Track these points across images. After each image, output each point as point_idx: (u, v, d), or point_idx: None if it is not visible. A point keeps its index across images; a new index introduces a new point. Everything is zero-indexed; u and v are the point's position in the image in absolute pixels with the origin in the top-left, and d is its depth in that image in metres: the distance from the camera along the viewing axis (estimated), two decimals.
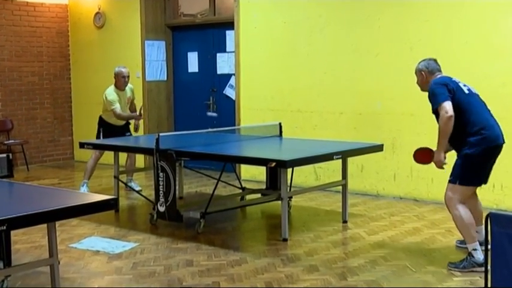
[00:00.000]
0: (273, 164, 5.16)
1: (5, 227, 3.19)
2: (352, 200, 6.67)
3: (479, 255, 4.49)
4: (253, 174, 7.96)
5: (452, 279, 4.40)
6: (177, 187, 5.73)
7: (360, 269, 4.62)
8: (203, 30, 9.08)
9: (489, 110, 4.73)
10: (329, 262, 4.80)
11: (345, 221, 6.00)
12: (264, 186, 6.75)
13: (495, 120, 4.68)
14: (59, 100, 10.18)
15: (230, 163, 6.51)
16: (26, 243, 5.41)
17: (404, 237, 5.47)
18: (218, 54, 8.88)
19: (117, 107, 7.38)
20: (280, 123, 6.76)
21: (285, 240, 5.36)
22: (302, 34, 7.67)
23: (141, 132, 9.14)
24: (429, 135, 6.76)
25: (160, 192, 5.66)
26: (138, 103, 9.19)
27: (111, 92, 7.43)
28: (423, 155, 5.02)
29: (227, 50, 8.72)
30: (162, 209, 5.68)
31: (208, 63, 9.05)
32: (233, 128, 7.95)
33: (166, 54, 9.48)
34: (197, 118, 9.06)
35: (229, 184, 7.11)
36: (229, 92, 8.75)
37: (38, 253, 5.10)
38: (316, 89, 7.61)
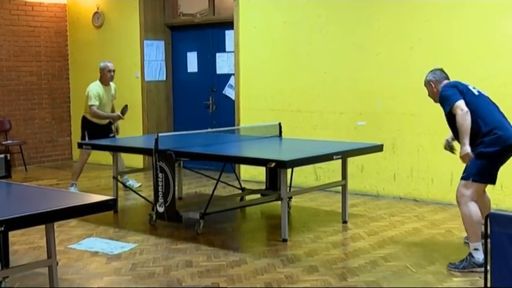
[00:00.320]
0: (273, 164, 5.14)
1: (3, 228, 3.17)
2: (352, 201, 6.65)
3: (479, 256, 4.48)
4: (253, 175, 7.94)
5: (452, 279, 4.39)
6: (176, 187, 5.72)
7: (360, 270, 4.61)
8: (202, 30, 9.06)
9: (502, 112, 4.75)
10: (329, 263, 4.79)
11: (345, 222, 5.98)
12: (263, 187, 6.73)
13: (508, 121, 4.70)
14: (57, 100, 10.16)
15: (230, 163, 6.49)
16: (24, 244, 5.39)
17: (405, 238, 5.45)
18: (217, 54, 8.87)
19: (95, 104, 7.31)
20: (279, 123, 6.74)
21: (285, 240, 5.34)
22: (302, 34, 7.65)
23: (139, 132, 9.14)
24: (429, 135, 6.77)
25: (160, 192, 5.64)
26: (137, 103, 9.23)
27: (94, 87, 7.39)
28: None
29: (226, 49, 8.70)
30: (161, 209, 5.66)
31: (207, 63, 9.03)
32: (233, 128, 7.93)
33: (165, 54, 9.46)
34: (196, 118, 9.04)
35: (229, 184, 7.08)
36: (228, 92, 8.73)
37: (36, 254, 5.08)
38: (316, 89, 7.60)
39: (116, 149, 6.70)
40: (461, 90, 4.66)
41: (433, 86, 4.86)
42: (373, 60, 7.12)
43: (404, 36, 6.86)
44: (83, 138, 7.57)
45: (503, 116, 4.73)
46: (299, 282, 4.37)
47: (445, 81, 4.85)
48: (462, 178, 4.71)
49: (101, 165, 8.52)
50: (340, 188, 6.08)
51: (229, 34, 8.55)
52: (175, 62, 9.51)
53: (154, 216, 5.82)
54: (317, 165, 7.36)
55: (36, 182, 8.35)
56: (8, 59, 9.52)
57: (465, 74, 6.00)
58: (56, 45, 10.07)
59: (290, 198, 6.40)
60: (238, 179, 7.27)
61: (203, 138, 6.59)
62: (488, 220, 3.32)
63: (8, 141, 9.35)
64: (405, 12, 6.85)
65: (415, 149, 6.90)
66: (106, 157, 7.96)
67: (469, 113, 4.54)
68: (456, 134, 4.75)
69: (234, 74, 8.44)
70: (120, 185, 6.69)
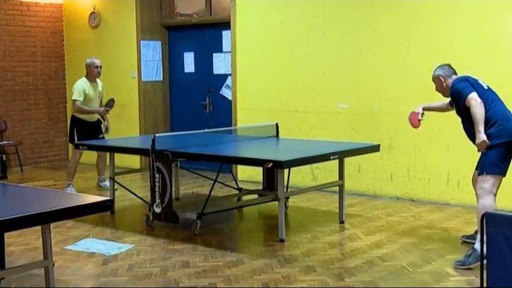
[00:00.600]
0: (270, 165, 5.13)
1: None
2: (349, 201, 6.65)
3: None
4: (250, 175, 7.93)
5: (448, 279, 4.39)
6: (173, 188, 5.70)
7: (357, 270, 4.61)
8: (199, 30, 9.05)
9: (507, 108, 4.85)
10: (326, 263, 4.78)
11: (342, 222, 5.98)
12: (260, 187, 6.72)
13: None
14: (53, 101, 10.13)
15: (227, 164, 6.48)
16: (21, 245, 5.37)
17: (401, 238, 5.45)
18: (214, 54, 8.86)
19: (79, 99, 7.33)
20: (277, 124, 6.74)
21: (282, 241, 5.33)
22: (299, 34, 7.65)
23: (136, 133, 9.13)
24: (426, 135, 6.77)
25: (157, 193, 5.63)
26: (133, 103, 9.23)
27: (79, 83, 7.42)
28: (414, 118, 5.34)
29: (223, 50, 8.69)
30: (158, 210, 5.65)
31: (204, 63, 9.02)
32: (230, 128, 7.93)
33: (162, 55, 9.44)
34: (193, 118, 9.03)
35: (226, 185, 7.08)
36: (225, 92, 8.72)
37: (32, 255, 5.06)
38: (313, 89, 7.59)
39: (112, 150, 6.68)
40: (472, 84, 4.78)
41: (442, 80, 4.97)
42: (370, 61, 7.12)
43: (401, 36, 6.87)
44: (71, 136, 7.59)
45: (510, 111, 4.83)
46: (296, 282, 4.37)
47: (454, 77, 4.95)
48: (478, 174, 4.81)
49: (95, 165, 8.48)
50: (337, 188, 6.08)
51: (226, 34, 8.54)
52: (172, 62, 9.49)
53: (151, 217, 5.81)
54: (314, 165, 7.36)
55: (32, 182, 8.33)
56: (4, 59, 9.49)
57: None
58: (52, 45, 10.05)
59: (287, 198, 6.39)
60: (235, 179, 7.26)
61: (200, 139, 6.58)
62: (484, 220, 3.32)
63: (4, 142, 9.32)
64: (402, 12, 6.85)
65: (412, 149, 6.90)
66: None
67: (482, 104, 4.64)
68: (470, 131, 4.81)
69: (231, 74, 8.43)
70: (116, 185, 6.68)
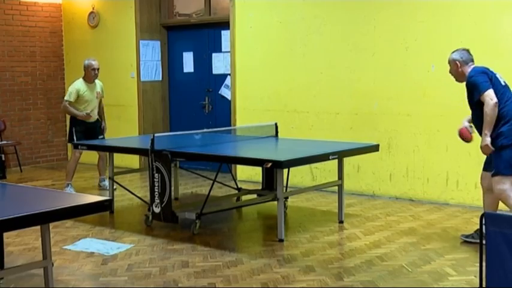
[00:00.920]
0: (269, 165, 5.13)
1: None
2: (348, 200, 6.66)
3: None
4: (249, 175, 7.94)
5: (448, 278, 4.39)
6: (172, 188, 5.70)
7: (356, 269, 4.61)
8: (198, 30, 9.05)
9: None
10: (325, 262, 4.78)
11: (341, 221, 5.98)
12: (260, 187, 6.72)
13: None
14: (52, 100, 10.13)
15: (226, 164, 6.48)
16: (19, 245, 5.37)
17: (400, 237, 5.45)
18: (214, 54, 8.86)
19: (68, 100, 7.39)
20: (276, 124, 6.74)
21: (281, 240, 5.33)
22: (298, 34, 7.65)
23: (135, 132, 9.13)
24: (425, 135, 6.78)
25: (156, 193, 5.63)
26: (133, 103, 9.22)
27: (75, 84, 7.45)
28: (465, 132, 5.05)
29: (223, 50, 8.69)
30: (157, 210, 5.65)
31: (203, 63, 9.02)
32: (229, 128, 7.92)
33: (161, 54, 9.44)
34: (193, 118, 9.03)
35: (225, 185, 7.08)
36: (224, 92, 8.72)
37: (31, 255, 5.06)
38: (312, 89, 7.59)
39: (111, 150, 6.68)
40: (491, 78, 4.71)
41: (459, 65, 4.89)
42: (369, 61, 7.12)
43: (399, 36, 6.87)
44: (70, 136, 7.62)
45: None
46: (295, 282, 4.37)
47: (471, 64, 4.88)
48: (492, 175, 4.75)
49: (96, 165, 8.49)
50: (336, 188, 6.08)
51: (225, 34, 8.54)
52: (171, 62, 9.49)
53: (150, 217, 5.81)
54: (313, 165, 7.36)
55: (31, 182, 8.32)
56: (3, 59, 9.48)
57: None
58: (51, 45, 10.04)
59: (286, 198, 6.40)
60: (234, 179, 7.26)
61: (199, 139, 6.57)
62: (483, 220, 3.32)
63: (3, 142, 9.31)
64: (401, 12, 6.86)
65: (410, 149, 6.91)
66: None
67: (497, 105, 4.61)
68: (477, 122, 4.77)
69: (230, 74, 8.43)
70: (115, 185, 6.68)
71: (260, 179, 6.68)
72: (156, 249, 5.21)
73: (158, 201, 5.62)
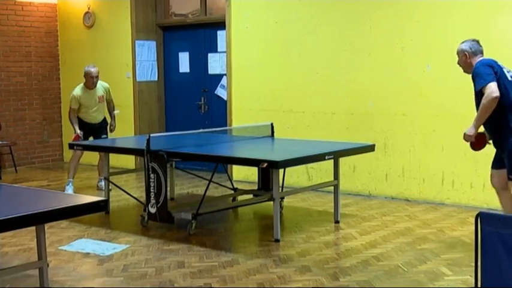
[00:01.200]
0: (265, 165, 5.13)
1: None
2: (344, 200, 6.66)
3: None
4: (246, 175, 7.93)
5: (443, 278, 4.39)
6: (168, 188, 5.70)
7: (352, 269, 4.61)
8: (194, 30, 9.04)
9: None
10: (321, 262, 4.79)
11: (337, 221, 5.99)
12: (256, 187, 6.72)
13: None
14: (48, 101, 10.10)
15: (222, 164, 6.48)
16: (15, 246, 5.35)
17: (396, 237, 5.46)
18: (209, 55, 8.85)
19: (74, 107, 7.48)
20: (272, 124, 6.74)
21: (277, 241, 5.33)
22: (294, 34, 7.65)
23: (131, 133, 9.12)
24: (421, 135, 6.79)
25: (152, 193, 5.62)
26: (128, 103, 9.20)
27: (74, 91, 7.53)
28: (478, 143, 4.91)
29: (218, 50, 8.68)
30: (153, 210, 5.64)
31: (199, 63, 9.01)
32: (225, 128, 7.92)
33: (157, 55, 9.43)
34: (188, 119, 9.03)
35: (221, 185, 7.07)
36: (220, 92, 8.71)
37: (26, 256, 5.04)
38: (308, 89, 7.60)
39: (107, 150, 6.67)
40: (497, 72, 4.61)
41: (467, 56, 4.82)
42: (364, 61, 7.12)
43: (395, 36, 6.88)
44: None
45: None
46: (291, 282, 4.37)
47: (480, 55, 4.80)
48: (510, 179, 4.64)
49: (92, 166, 8.48)
50: (332, 188, 6.08)
51: (221, 34, 8.53)
52: (167, 62, 9.48)
53: (146, 217, 5.80)
54: (309, 165, 7.36)
55: (27, 183, 8.30)
56: None
57: (455, 74, 6.02)
58: (46, 45, 10.02)
59: (282, 198, 6.39)
60: (230, 179, 7.26)
61: (195, 139, 6.57)
62: (479, 220, 3.33)
63: None
64: (397, 13, 6.86)
65: (406, 149, 6.91)
66: (97, 158, 7.93)
67: (497, 99, 4.49)
68: (485, 122, 4.67)
69: (226, 75, 8.42)
70: (111, 185, 6.67)
71: (256, 179, 6.68)
72: (152, 250, 5.20)
73: (154, 201, 5.61)
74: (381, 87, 7.03)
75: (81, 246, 5.31)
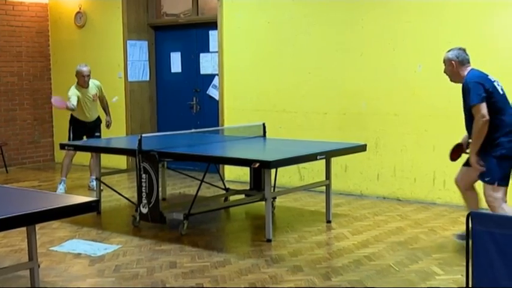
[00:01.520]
0: (257, 165, 5.13)
1: None
2: (336, 200, 6.67)
3: None
4: (238, 175, 7.93)
5: (435, 278, 4.41)
6: (160, 188, 5.69)
7: (344, 269, 4.61)
8: (186, 30, 9.03)
9: None
10: (313, 262, 4.79)
11: (329, 221, 5.99)
12: (248, 187, 6.72)
13: None
14: (39, 101, 10.06)
15: (214, 164, 6.47)
16: (5, 246, 5.33)
17: (388, 237, 5.47)
18: (201, 55, 8.84)
19: (72, 100, 7.40)
20: (264, 124, 6.74)
21: (269, 241, 5.33)
22: (286, 34, 7.65)
23: (123, 133, 9.09)
24: (413, 135, 6.81)
25: (143, 193, 5.61)
26: (120, 103, 9.17)
27: (71, 88, 7.53)
28: (455, 152, 5.04)
29: (210, 50, 8.68)
30: (144, 210, 5.63)
31: (191, 63, 9.00)
32: (217, 128, 7.91)
33: (148, 55, 9.41)
34: (180, 119, 9.01)
35: (213, 185, 7.07)
36: (212, 92, 8.71)
37: (17, 257, 5.02)
38: (300, 89, 7.60)
39: (98, 150, 6.65)
40: (487, 89, 4.62)
41: (454, 65, 4.80)
42: (357, 61, 7.14)
43: (387, 36, 6.89)
44: (69, 135, 7.72)
45: None
46: (283, 282, 4.37)
47: (467, 65, 4.80)
48: (487, 182, 4.69)
49: (84, 166, 8.44)
50: (324, 188, 6.09)
51: (213, 34, 8.53)
52: (159, 62, 9.46)
53: (137, 218, 5.79)
54: (301, 165, 7.37)
55: (17, 183, 8.26)
56: None
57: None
58: (37, 45, 9.97)
59: (274, 198, 6.40)
60: (222, 179, 7.25)
61: (187, 139, 6.56)
62: (470, 219, 3.34)
63: None
64: (389, 13, 6.88)
65: (398, 148, 6.93)
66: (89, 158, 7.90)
67: (488, 122, 4.55)
68: (469, 127, 4.73)
69: (218, 75, 8.42)
70: (102, 186, 6.65)
71: (248, 179, 6.68)
72: (144, 250, 5.19)
73: (146, 201, 5.60)
74: (372, 87, 7.05)
75: (72, 247, 5.29)
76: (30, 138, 9.99)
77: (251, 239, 5.75)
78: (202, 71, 8.85)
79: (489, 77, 4.76)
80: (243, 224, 6.35)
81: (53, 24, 10.03)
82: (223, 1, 8.14)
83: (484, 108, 4.55)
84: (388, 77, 6.94)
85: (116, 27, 9.21)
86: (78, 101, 7.46)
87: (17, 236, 5.44)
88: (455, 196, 6.56)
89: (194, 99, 8.98)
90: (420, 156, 6.77)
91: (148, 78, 9.45)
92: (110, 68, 9.28)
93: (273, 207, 6.30)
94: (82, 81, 7.51)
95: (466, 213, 3.38)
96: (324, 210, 6.10)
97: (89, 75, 7.54)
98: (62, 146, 6.80)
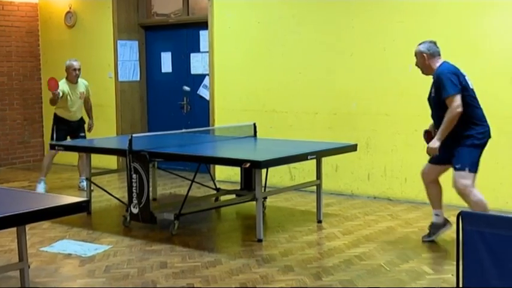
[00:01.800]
0: (248, 165, 5.13)
1: None
2: (326, 200, 6.68)
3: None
4: (228, 175, 7.92)
5: (425, 277, 4.43)
6: (150, 188, 5.68)
7: (334, 269, 4.62)
8: (177, 30, 9.02)
9: None
10: (304, 262, 4.80)
11: (319, 221, 6.00)
12: (238, 187, 6.72)
13: None
14: (29, 101, 10.01)
15: (204, 164, 6.47)
16: None
17: (379, 237, 5.49)
18: (192, 54, 8.83)
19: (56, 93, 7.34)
20: (254, 124, 6.74)
21: (260, 240, 5.34)
22: (276, 34, 7.66)
23: (113, 133, 9.07)
24: (403, 135, 6.83)
25: (134, 193, 5.60)
26: (110, 103, 9.16)
27: (60, 84, 7.45)
28: (428, 139, 5.19)
29: (201, 50, 8.67)
30: (135, 210, 5.62)
31: (182, 63, 8.99)
32: (207, 128, 7.91)
33: (139, 54, 9.39)
34: (171, 119, 9.00)
35: (204, 185, 7.06)
36: (203, 92, 8.70)
37: (7, 257, 4.99)
38: (290, 89, 7.61)
39: (89, 150, 6.62)
40: (461, 81, 4.79)
41: (426, 58, 4.95)
42: (347, 61, 7.16)
43: (378, 37, 6.92)
44: (52, 134, 7.66)
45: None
46: (274, 282, 4.37)
47: (438, 57, 4.95)
48: (457, 169, 4.85)
49: (73, 166, 8.41)
50: (314, 187, 6.10)
51: (203, 34, 8.52)
52: (150, 62, 9.44)
53: (128, 218, 5.77)
54: (292, 165, 7.37)
55: (7, 184, 8.21)
56: None
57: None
58: (27, 45, 9.92)
59: (265, 198, 6.40)
60: (213, 179, 7.25)
61: (178, 139, 6.55)
62: (460, 219, 3.35)
63: None
64: (379, 13, 6.90)
65: (389, 148, 6.96)
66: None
67: (460, 113, 4.71)
68: (438, 119, 4.88)
69: (208, 75, 8.41)
70: (93, 186, 6.63)
71: (239, 179, 6.68)
72: (135, 250, 5.18)
73: (136, 201, 5.59)
74: (363, 88, 7.07)
75: (62, 247, 5.27)
76: (20, 138, 9.94)
77: (242, 239, 5.75)
78: (193, 71, 8.84)
79: (461, 70, 4.91)
80: (233, 224, 6.35)
81: (43, 24, 9.98)
82: (213, 1, 8.14)
83: (459, 99, 4.73)
84: (379, 77, 6.96)
85: (106, 27, 9.18)
86: (66, 97, 7.41)
87: (7, 237, 5.41)
88: (446, 196, 6.58)
89: (185, 99, 8.96)
90: (411, 156, 6.79)
91: (138, 78, 9.43)
92: (100, 68, 9.25)
93: (264, 207, 6.30)
94: (72, 75, 7.47)
95: (456, 212, 3.39)
96: (315, 210, 6.11)
97: (79, 69, 7.51)
98: (52, 146, 6.78)
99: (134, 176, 5.56)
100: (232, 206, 6.48)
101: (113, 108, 9.21)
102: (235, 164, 5.65)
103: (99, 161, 8.16)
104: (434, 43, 5.02)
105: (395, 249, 5.10)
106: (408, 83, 6.73)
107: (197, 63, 8.78)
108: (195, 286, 4.32)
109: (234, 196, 6.64)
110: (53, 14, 9.82)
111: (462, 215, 3.35)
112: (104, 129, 9.01)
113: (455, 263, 3.48)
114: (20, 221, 3.47)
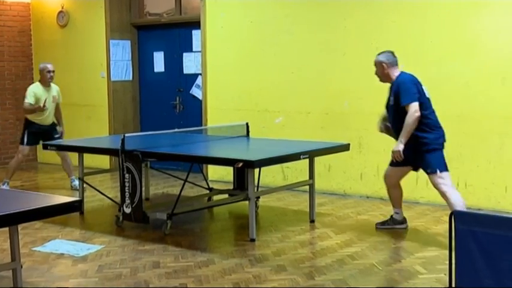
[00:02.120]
0: (240, 164, 5.13)
1: None
2: (319, 200, 6.69)
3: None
4: (221, 175, 7.92)
5: (418, 277, 4.44)
6: (143, 188, 5.67)
7: (327, 269, 4.63)
8: (169, 29, 9.01)
9: None
10: (297, 262, 4.80)
11: (312, 221, 6.01)
12: (231, 187, 6.72)
13: None
14: (21, 101, 9.82)
15: (197, 164, 6.47)
16: None
17: (371, 236, 5.50)
18: (184, 54, 8.83)
19: (29, 102, 7.34)
20: (247, 123, 6.75)
21: (253, 240, 5.34)
22: (269, 34, 7.67)
23: (106, 133, 9.05)
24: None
25: (126, 193, 5.59)
26: (103, 103, 9.14)
27: (31, 88, 7.47)
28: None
29: (193, 49, 8.67)
30: (128, 210, 5.61)
31: (174, 63, 8.98)
32: (200, 128, 7.91)
33: (131, 54, 9.37)
34: (163, 118, 8.99)
35: (197, 185, 7.06)
36: (195, 92, 8.70)
37: None
38: (283, 89, 7.62)
39: (81, 150, 6.60)
40: (419, 90, 5.09)
41: (385, 67, 5.25)
42: (339, 61, 7.17)
43: (370, 37, 6.93)
44: (22, 137, 7.65)
45: None
46: (267, 282, 4.38)
47: (396, 67, 5.25)
48: (430, 173, 5.13)
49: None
50: (307, 187, 6.11)
51: (196, 34, 8.52)
52: (142, 61, 9.43)
53: (121, 217, 5.77)
54: (284, 164, 7.38)
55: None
56: None
57: (429, 74, 6.12)
58: (19, 44, 9.88)
59: (258, 198, 6.40)
60: (206, 179, 7.25)
61: (170, 139, 6.55)
62: (453, 218, 3.37)
63: None
64: (372, 13, 6.92)
65: (381, 148, 6.96)
66: (72, 158, 7.84)
67: (419, 118, 4.99)
68: (398, 126, 5.12)
69: (201, 74, 8.41)
70: (85, 185, 6.61)
71: (231, 178, 6.68)
72: (127, 250, 5.17)
73: (129, 201, 5.58)
74: (355, 87, 7.08)
75: (55, 247, 5.26)
76: (13, 138, 9.89)
77: (235, 238, 5.75)
78: (186, 71, 8.84)
79: (419, 79, 5.21)
80: (226, 224, 6.35)
81: (35, 24, 9.95)
82: (206, 1, 8.13)
83: (417, 105, 5.00)
84: (371, 77, 6.94)
85: (98, 26, 9.16)
86: (38, 99, 7.34)
87: None
88: (438, 195, 6.62)
89: (177, 98, 8.96)
90: None
91: (131, 78, 9.42)
92: (93, 68, 9.23)
93: (257, 206, 6.30)
94: (46, 77, 7.44)
95: (448, 212, 3.41)
96: (308, 209, 6.12)
97: (53, 71, 7.49)
98: (45, 146, 6.75)
99: (127, 175, 5.56)
100: (225, 205, 6.48)
101: (105, 108, 9.19)
102: (228, 164, 5.66)
103: (91, 160, 8.13)
104: (392, 53, 5.30)
105: (388, 249, 5.12)
106: None
107: (190, 63, 8.77)
108: (188, 286, 4.32)
109: (226, 196, 6.64)
110: (45, 13, 9.79)
111: (455, 215, 3.37)
112: (97, 129, 9.00)
113: (447, 262, 3.50)
114: (12, 220, 3.46)
